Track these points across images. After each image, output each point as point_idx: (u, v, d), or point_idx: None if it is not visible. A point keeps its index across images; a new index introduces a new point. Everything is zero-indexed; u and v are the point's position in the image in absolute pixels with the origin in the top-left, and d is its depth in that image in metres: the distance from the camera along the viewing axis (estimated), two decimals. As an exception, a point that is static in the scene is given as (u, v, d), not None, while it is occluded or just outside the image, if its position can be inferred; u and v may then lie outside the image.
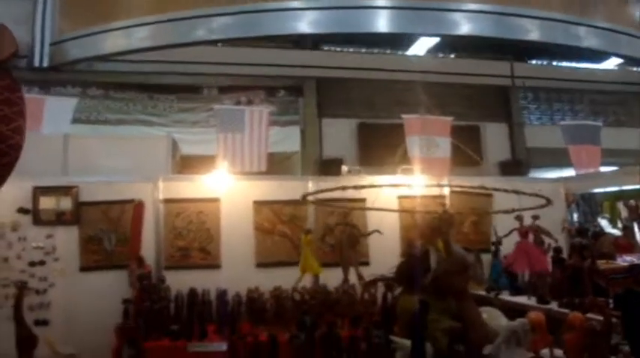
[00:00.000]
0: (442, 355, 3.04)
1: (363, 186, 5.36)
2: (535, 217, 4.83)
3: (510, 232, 4.82)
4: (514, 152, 12.39)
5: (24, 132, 2.35)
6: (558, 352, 3.19)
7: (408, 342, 3.12)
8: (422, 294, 3.31)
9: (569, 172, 8.13)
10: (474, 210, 6.37)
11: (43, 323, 5.60)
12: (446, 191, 6.51)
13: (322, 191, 5.13)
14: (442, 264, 3.41)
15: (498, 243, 5.79)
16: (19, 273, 5.54)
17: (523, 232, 4.86)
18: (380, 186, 5.57)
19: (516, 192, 4.16)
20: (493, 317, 3.39)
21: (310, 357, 3.24)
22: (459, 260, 3.48)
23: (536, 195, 4.31)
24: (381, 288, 5.04)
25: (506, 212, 4.76)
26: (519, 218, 4.79)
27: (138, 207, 5.96)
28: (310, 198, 5.11)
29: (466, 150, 6.01)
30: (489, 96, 12.84)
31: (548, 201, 4.36)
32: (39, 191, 5.83)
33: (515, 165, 10.53)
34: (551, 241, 5.07)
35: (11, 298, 4.96)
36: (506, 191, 4.22)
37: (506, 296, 5.49)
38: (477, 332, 3.17)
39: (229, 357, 3.45)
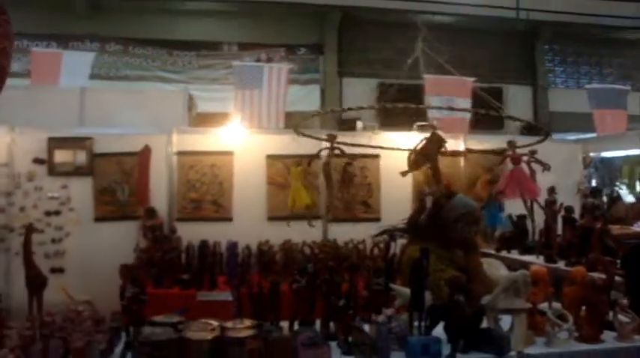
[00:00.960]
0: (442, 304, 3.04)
1: (351, 109, 5.31)
2: (533, 152, 4.74)
3: (504, 158, 4.69)
4: (537, 115, 12.20)
5: (10, 56, 2.32)
6: (557, 305, 3.18)
7: (407, 290, 3.12)
8: (429, 244, 3.30)
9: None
10: (487, 168, 6.25)
11: (58, 270, 5.74)
12: (461, 148, 6.41)
13: (313, 115, 5.04)
14: (451, 212, 3.39)
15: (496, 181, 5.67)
16: (35, 222, 5.55)
17: (516, 159, 4.76)
18: (362, 108, 5.48)
19: (510, 117, 4.06)
20: (494, 267, 3.37)
21: (310, 302, 3.26)
22: (470, 210, 3.45)
23: (536, 126, 4.22)
24: (386, 239, 5.04)
25: (503, 151, 4.67)
26: (511, 144, 4.68)
27: (144, 152, 5.93)
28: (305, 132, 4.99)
29: (491, 101, 5.84)
30: (514, 58, 12.62)
31: (547, 134, 4.29)
32: (54, 142, 5.88)
33: (536, 129, 10.37)
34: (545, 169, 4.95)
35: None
36: (498, 113, 4.11)
37: (515, 254, 5.45)
38: (479, 283, 3.17)
39: (235, 305, 3.48)
